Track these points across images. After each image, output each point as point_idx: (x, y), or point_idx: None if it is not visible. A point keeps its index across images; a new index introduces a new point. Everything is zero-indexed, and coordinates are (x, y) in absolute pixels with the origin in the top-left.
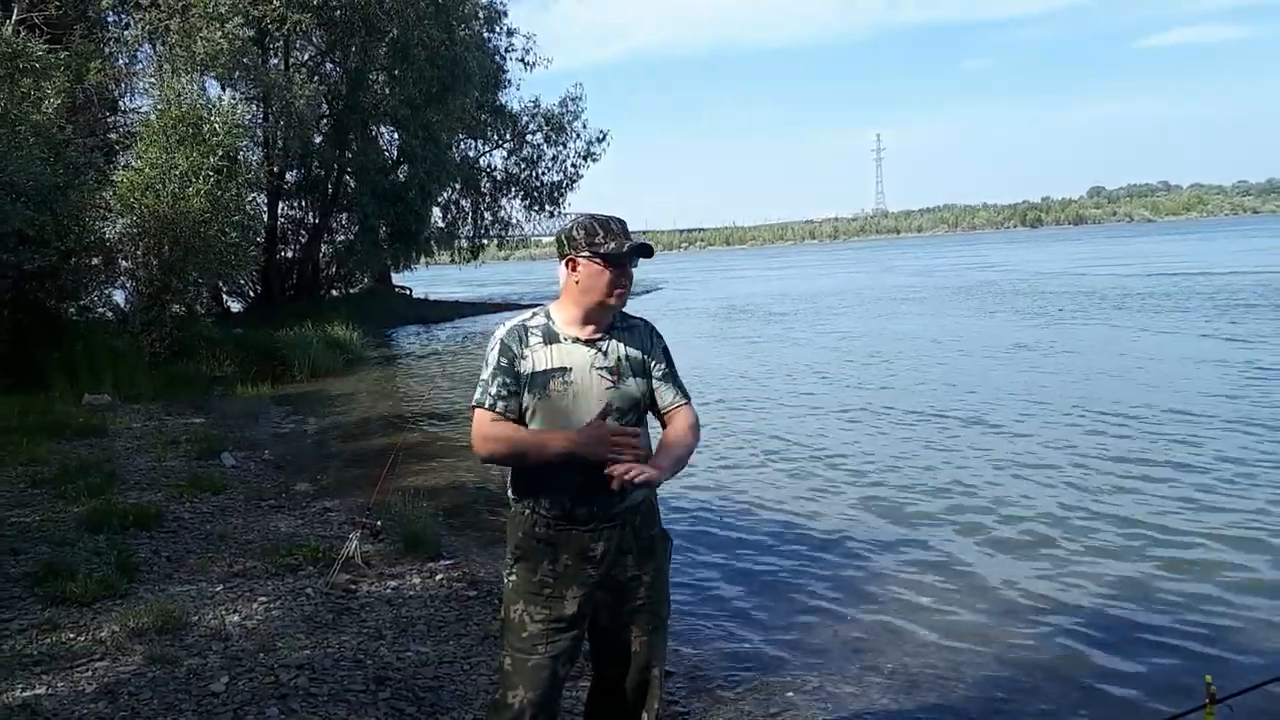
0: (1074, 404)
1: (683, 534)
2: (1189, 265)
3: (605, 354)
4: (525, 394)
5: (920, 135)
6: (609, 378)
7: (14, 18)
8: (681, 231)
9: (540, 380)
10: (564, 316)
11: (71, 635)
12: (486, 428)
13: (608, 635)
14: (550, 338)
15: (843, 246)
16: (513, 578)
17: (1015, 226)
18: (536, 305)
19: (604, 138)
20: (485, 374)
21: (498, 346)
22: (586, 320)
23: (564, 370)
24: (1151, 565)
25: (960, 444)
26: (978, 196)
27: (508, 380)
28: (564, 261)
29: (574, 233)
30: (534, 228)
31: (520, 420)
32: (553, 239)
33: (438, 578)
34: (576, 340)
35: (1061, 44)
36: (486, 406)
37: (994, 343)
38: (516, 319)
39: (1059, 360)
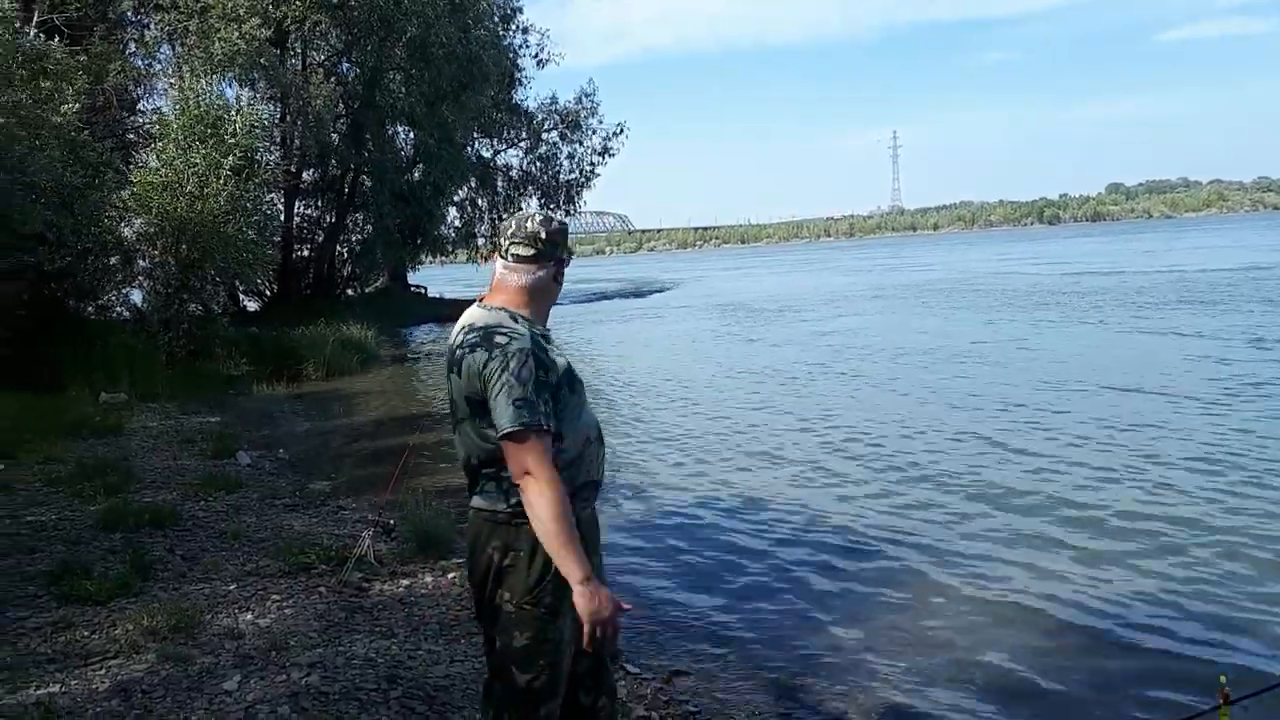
0: (1079, 401)
1: (688, 535)
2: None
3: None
4: (561, 396)
5: (938, 132)
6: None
7: (35, 20)
8: (697, 229)
9: (567, 380)
10: (536, 320)
11: (86, 634)
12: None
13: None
14: (547, 339)
15: (853, 245)
16: (551, 596)
17: (1032, 223)
18: None
19: (621, 130)
20: (527, 391)
21: (529, 360)
22: (545, 323)
23: (575, 370)
24: (1165, 564)
25: (964, 441)
26: (995, 193)
27: (548, 397)
28: (553, 262)
29: (559, 235)
30: None
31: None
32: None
33: (450, 576)
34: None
35: (1080, 39)
36: (547, 429)
37: (1012, 339)
38: (516, 324)
39: (1064, 355)
